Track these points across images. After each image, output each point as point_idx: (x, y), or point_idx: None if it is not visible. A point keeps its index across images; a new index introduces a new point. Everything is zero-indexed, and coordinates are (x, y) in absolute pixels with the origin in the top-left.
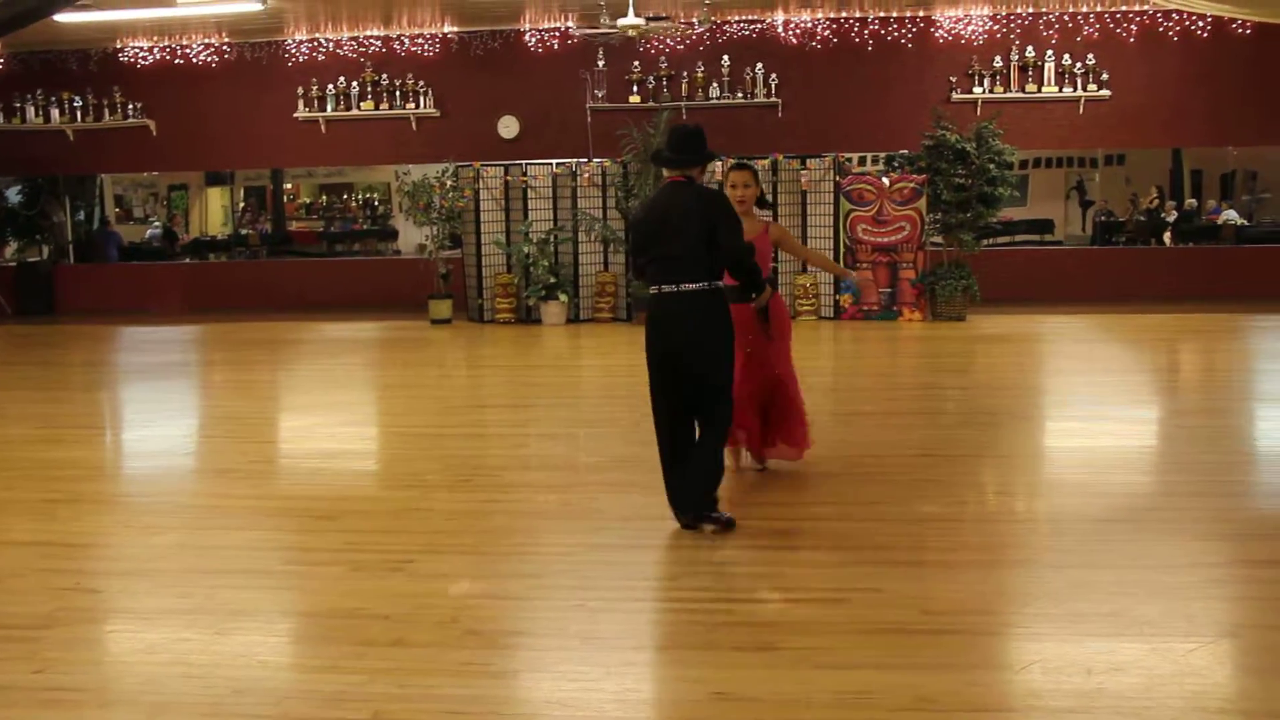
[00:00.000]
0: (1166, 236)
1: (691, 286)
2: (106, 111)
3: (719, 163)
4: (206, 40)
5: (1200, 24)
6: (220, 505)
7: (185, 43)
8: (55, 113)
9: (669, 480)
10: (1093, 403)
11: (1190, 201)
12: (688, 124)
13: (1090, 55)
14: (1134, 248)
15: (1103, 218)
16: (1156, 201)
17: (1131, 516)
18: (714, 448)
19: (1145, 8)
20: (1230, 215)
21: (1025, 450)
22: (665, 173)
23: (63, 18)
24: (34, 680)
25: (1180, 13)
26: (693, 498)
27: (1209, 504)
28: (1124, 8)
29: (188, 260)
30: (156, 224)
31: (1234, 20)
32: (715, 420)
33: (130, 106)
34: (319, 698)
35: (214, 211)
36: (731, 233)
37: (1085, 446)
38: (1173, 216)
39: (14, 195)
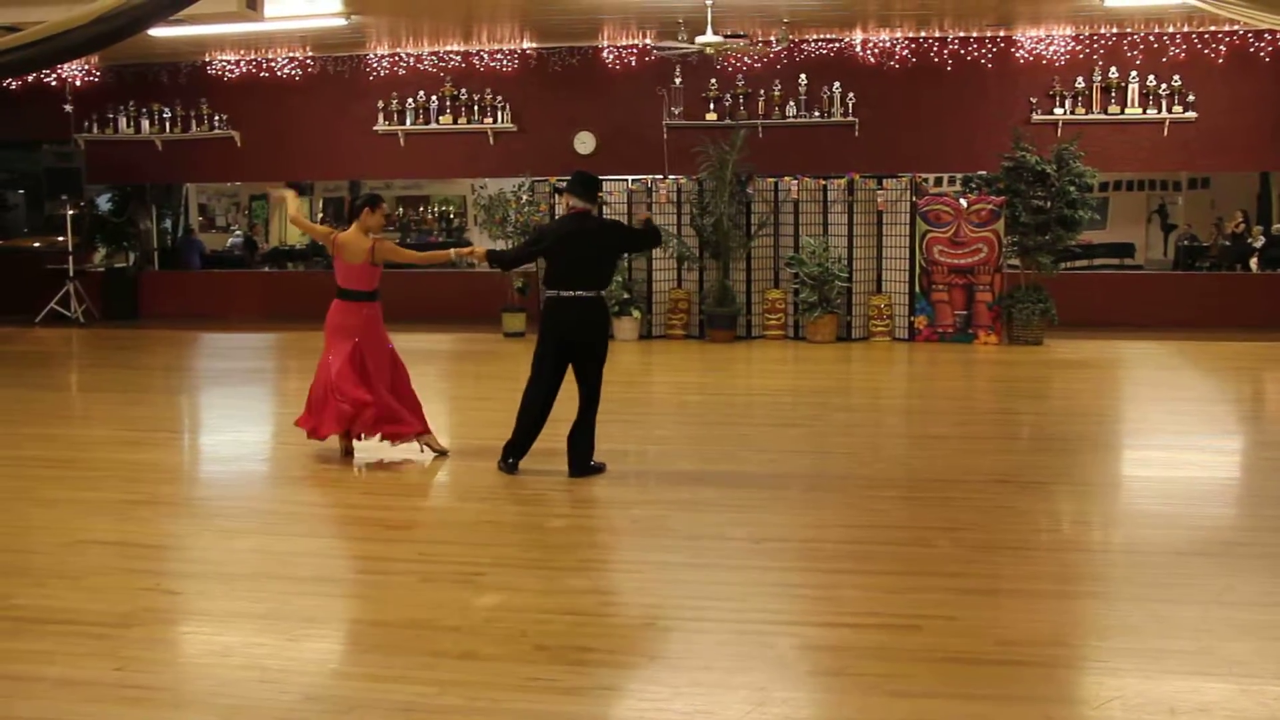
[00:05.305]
0: (1253, 262)
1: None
2: (194, 123)
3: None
4: (291, 54)
5: None
6: (294, 512)
7: (270, 56)
8: (145, 123)
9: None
10: (1173, 432)
11: (1277, 227)
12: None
13: (1176, 76)
14: (1218, 273)
15: (1185, 242)
16: (1242, 226)
17: (1214, 550)
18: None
19: (1235, 28)
20: None
21: (1103, 479)
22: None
23: (155, 32)
24: (114, 677)
25: (1272, 33)
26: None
27: None
28: (1212, 28)
29: (267, 269)
30: (238, 233)
31: None
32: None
33: (216, 118)
34: (389, 707)
35: None
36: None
37: (1165, 476)
38: (1260, 242)
39: (104, 203)
